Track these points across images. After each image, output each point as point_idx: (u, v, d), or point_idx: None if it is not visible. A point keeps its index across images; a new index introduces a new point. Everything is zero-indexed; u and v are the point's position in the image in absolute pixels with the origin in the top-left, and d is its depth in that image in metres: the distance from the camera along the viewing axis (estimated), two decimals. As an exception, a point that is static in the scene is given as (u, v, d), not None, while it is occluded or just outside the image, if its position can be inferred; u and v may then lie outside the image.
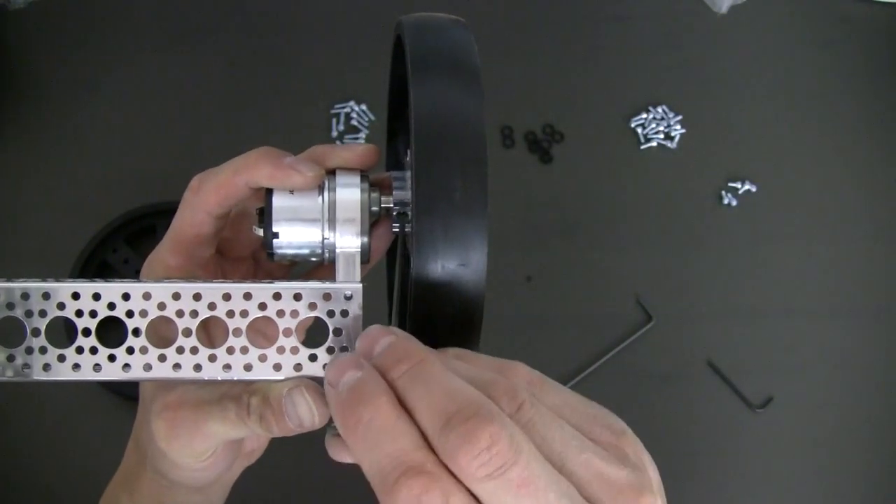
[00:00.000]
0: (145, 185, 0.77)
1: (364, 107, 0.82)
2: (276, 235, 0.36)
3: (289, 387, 0.34)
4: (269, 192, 0.36)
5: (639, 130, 0.84)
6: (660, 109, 0.84)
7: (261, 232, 0.36)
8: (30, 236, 0.77)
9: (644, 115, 0.84)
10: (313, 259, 0.37)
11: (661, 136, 0.84)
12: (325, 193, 0.36)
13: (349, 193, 0.36)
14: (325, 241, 0.36)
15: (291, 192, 0.36)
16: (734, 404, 0.74)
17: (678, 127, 0.84)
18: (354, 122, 0.82)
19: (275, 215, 0.36)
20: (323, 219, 0.36)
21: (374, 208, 0.37)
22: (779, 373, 0.76)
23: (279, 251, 0.36)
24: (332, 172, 0.37)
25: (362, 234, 0.36)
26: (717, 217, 0.81)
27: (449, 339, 0.32)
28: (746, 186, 0.82)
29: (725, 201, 0.81)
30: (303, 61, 0.85)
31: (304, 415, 0.34)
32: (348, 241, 0.36)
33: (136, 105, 0.82)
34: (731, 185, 0.82)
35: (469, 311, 0.32)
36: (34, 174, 0.79)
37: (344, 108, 0.82)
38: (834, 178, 0.84)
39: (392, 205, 0.37)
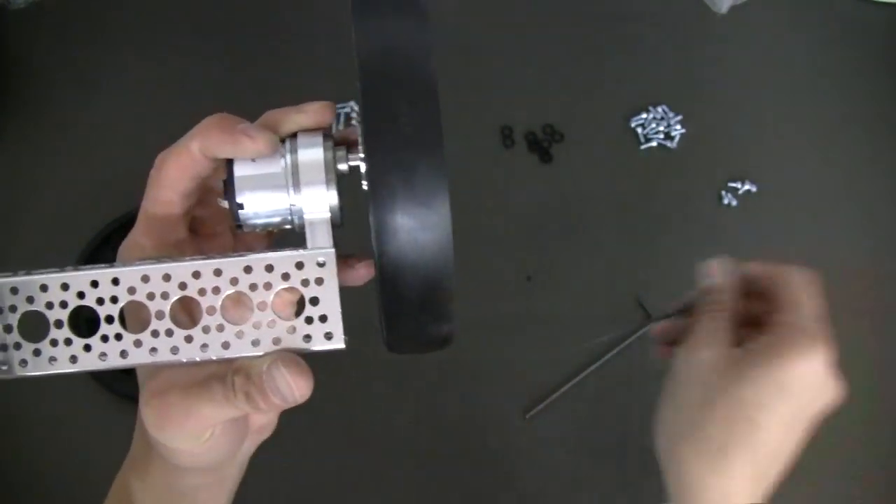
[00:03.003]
0: (145, 186, 0.77)
1: (364, 107, 0.82)
2: (240, 206, 0.35)
3: (267, 363, 0.33)
4: (229, 162, 0.35)
5: (639, 130, 0.84)
6: (660, 109, 0.84)
7: (226, 204, 0.35)
8: (30, 236, 0.77)
9: (644, 115, 0.84)
10: (287, 227, 0.36)
11: (661, 136, 0.84)
12: (287, 156, 0.35)
13: (311, 154, 0.34)
14: (293, 206, 0.34)
15: (253, 160, 0.35)
16: (734, 404, 0.74)
17: (678, 127, 0.84)
18: (355, 122, 0.82)
19: (237, 184, 0.35)
20: (287, 184, 0.34)
21: (342, 166, 0.35)
22: (779, 373, 0.76)
23: (248, 222, 0.35)
24: (294, 136, 0.35)
25: (329, 195, 0.34)
26: (717, 217, 0.81)
27: (422, 298, 0.31)
28: (746, 186, 0.82)
29: (725, 201, 0.81)
30: (303, 61, 0.85)
31: (284, 390, 0.33)
32: (315, 205, 0.34)
33: (136, 105, 0.82)
34: (731, 185, 0.82)
35: (439, 255, 0.30)
36: (34, 174, 0.79)
37: (344, 108, 0.82)
38: (834, 178, 0.84)
39: (360, 162, 0.34)
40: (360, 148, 0.34)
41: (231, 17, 0.86)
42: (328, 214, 0.34)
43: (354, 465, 0.71)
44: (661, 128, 0.84)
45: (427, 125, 0.29)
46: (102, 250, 0.74)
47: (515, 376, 0.73)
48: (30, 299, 0.33)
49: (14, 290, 0.33)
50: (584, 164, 0.82)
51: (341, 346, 0.34)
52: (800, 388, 0.43)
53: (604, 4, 0.89)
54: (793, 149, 0.85)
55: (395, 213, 0.29)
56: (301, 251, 0.34)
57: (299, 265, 0.33)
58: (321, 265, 0.33)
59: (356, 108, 0.82)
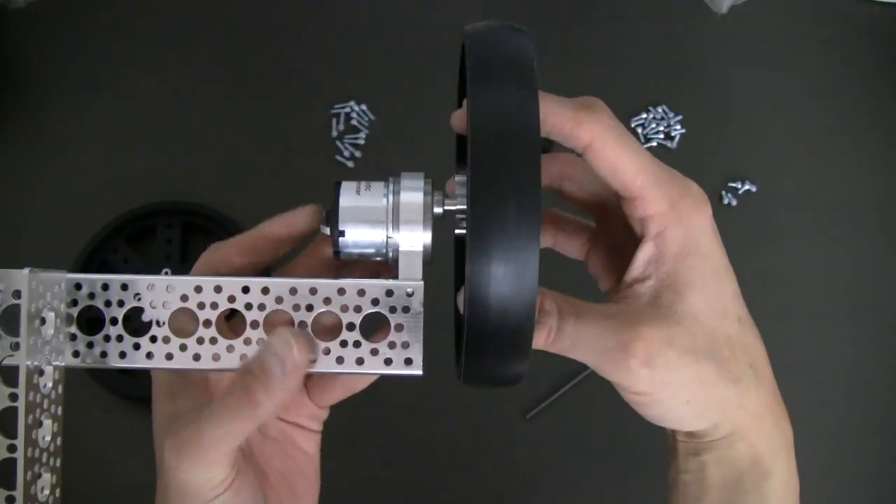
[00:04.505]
0: (145, 185, 0.78)
1: (364, 107, 0.82)
2: (342, 234, 0.37)
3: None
4: (336, 191, 0.38)
5: (639, 130, 0.84)
6: (660, 109, 0.84)
7: (328, 231, 0.38)
8: (30, 236, 0.77)
9: (644, 115, 0.84)
10: (377, 258, 0.38)
11: (661, 136, 0.84)
12: (390, 196, 0.37)
13: (413, 196, 0.37)
14: (389, 240, 0.37)
15: (358, 192, 0.37)
16: (734, 404, 0.74)
17: (678, 127, 0.84)
18: (354, 122, 0.82)
19: (341, 215, 0.37)
20: (387, 220, 0.37)
21: (438, 210, 0.38)
22: (779, 373, 0.75)
23: (345, 249, 0.38)
24: (397, 175, 0.38)
25: (424, 234, 0.37)
26: (718, 217, 0.80)
27: (501, 348, 0.33)
28: (746, 186, 0.82)
29: (725, 201, 0.81)
30: (302, 61, 0.85)
31: (280, 348, 0.34)
32: (411, 242, 0.37)
33: (136, 105, 0.82)
34: (731, 185, 0.82)
35: (524, 305, 0.32)
36: (34, 174, 0.79)
37: (344, 108, 0.82)
38: (834, 178, 0.84)
39: (455, 208, 0.38)
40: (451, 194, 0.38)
41: (231, 19, 0.86)
42: (421, 250, 0.37)
43: (354, 465, 0.71)
44: (661, 128, 0.84)
45: (528, 189, 0.32)
46: (102, 250, 0.74)
47: (515, 376, 0.73)
48: (137, 296, 0.36)
49: (124, 287, 0.36)
50: (584, 164, 0.82)
51: (419, 372, 0.37)
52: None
53: (603, 4, 0.89)
54: (793, 148, 0.85)
55: (489, 263, 0.31)
56: (392, 280, 0.36)
57: (389, 293, 0.36)
58: (410, 295, 0.36)
59: (356, 107, 0.82)
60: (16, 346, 0.34)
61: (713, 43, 0.88)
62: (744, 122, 0.85)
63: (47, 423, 0.36)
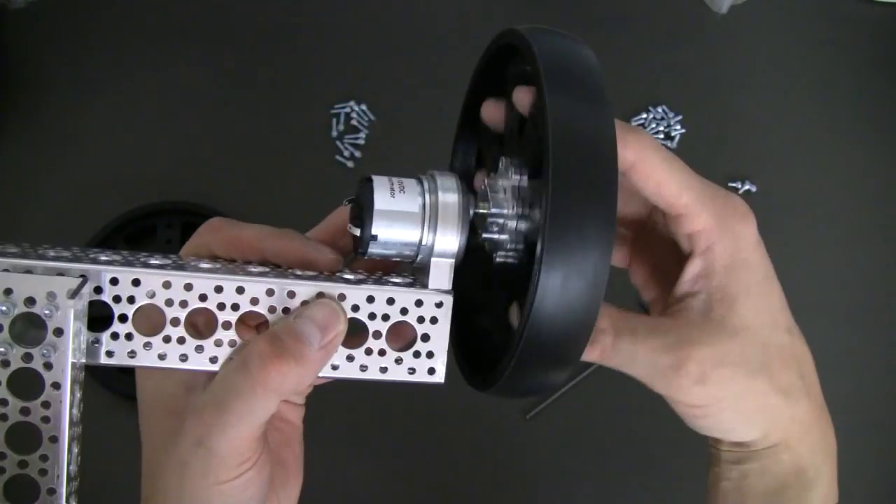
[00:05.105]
0: (145, 185, 0.77)
1: (364, 107, 0.82)
2: (374, 238, 0.34)
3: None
4: (368, 189, 0.35)
5: (639, 130, 0.84)
6: (660, 109, 0.84)
7: (357, 231, 0.35)
8: (29, 237, 0.77)
9: (644, 115, 0.84)
10: (396, 259, 0.36)
11: (661, 136, 0.84)
12: (427, 195, 0.35)
13: (450, 197, 0.35)
14: (422, 245, 0.35)
15: (392, 193, 0.35)
16: (734, 404, 0.74)
17: (678, 127, 0.84)
18: (354, 122, 0.82)
19: (376, 217, 0.34)
20: (423, 222, 0.35)
21: (470, 212, 0.36)
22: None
23: (372, 251, 0.35)
24: (432, 175, 0.36)
25: (460, 239, 0.35)
26: (717, 217, 0.81)
27: (553, 362, 0.33)
28: (746, 186, 0.82)
29: (725, 201, 0.81)
30: (302, 61, 0.85)
31: (322, 315, 0.33)
32: (447, 245, 0.35)
33: (136, 105, 0.82)
34: (731, 185, 0.82)
35: (586, 322, 0.32)
36: (34, 174, 0.79)
37: (344, 108, 0.82)
38: (834, 178, 0.84)
39: (487, 211, 0.35)
40: (499, 202, 0.36)
41: (231, 20, 0.86)
42: (453, 258, 0.35)
43: (354, 466, 0.71)
44: (661, 128, 0.84)
45: (607, 200, 0.31)
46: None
47: (515, 376, 0.73)
48: (150, 294, 0.33)
49: (136, 282, 0.33)
50: (584, 164, 0.82)
51: (440, 381, 0.36)
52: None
53: (603, 4, 0.89)
54: (793, 149, 0.85)
55: (558, 277, 0.30)
56: (423, 290, 0.35)
57: (419, 303, 0.35)
58: (438, 306, 0.35)
59: (356, 107, 0.82)
60: (27, 358, 0.31)
61: (713, 43, 0.88)
62: (744, 122, 0.85)
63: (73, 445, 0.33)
